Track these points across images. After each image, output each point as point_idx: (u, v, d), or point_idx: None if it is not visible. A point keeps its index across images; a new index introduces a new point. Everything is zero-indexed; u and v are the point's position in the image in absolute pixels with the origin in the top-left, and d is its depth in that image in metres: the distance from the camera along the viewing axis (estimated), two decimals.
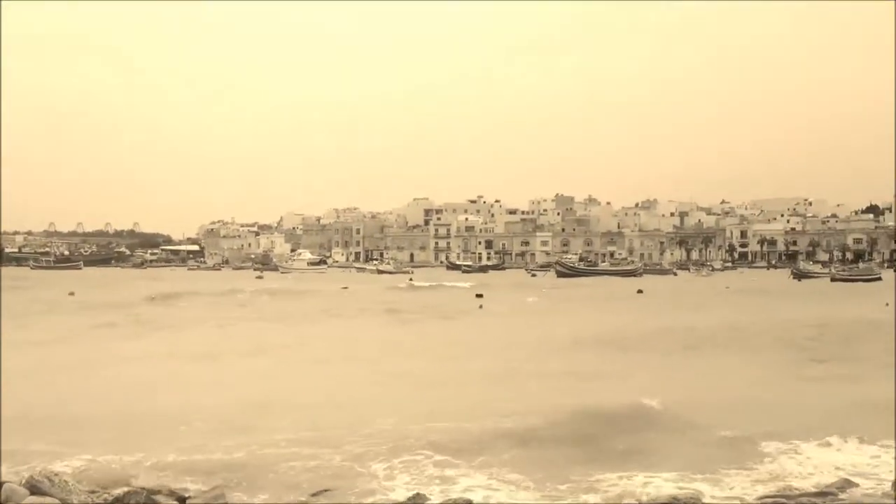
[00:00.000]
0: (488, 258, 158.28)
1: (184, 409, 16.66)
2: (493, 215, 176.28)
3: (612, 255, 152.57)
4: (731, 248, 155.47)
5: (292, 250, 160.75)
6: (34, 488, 9.28)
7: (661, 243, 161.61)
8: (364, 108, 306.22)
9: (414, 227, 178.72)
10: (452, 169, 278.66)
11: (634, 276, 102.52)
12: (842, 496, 10.27)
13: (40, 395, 18.10)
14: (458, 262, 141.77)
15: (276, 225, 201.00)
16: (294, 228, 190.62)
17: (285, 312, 46.32)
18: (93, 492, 9.68)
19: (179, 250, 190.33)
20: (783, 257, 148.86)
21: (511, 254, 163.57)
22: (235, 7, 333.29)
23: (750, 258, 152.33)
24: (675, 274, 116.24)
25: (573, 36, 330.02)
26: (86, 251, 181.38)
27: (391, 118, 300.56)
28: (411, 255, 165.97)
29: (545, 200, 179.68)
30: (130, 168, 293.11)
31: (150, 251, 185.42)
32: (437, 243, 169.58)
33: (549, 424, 14.69)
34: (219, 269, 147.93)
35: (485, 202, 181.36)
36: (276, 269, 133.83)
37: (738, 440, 14.10)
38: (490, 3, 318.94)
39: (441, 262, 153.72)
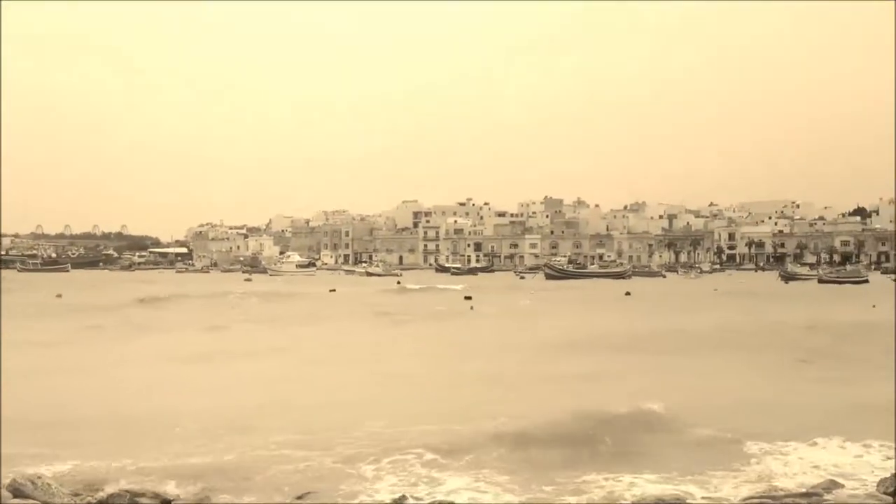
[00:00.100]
0: (477, 261, 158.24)
1: (173, 412, 16.62)
2: (482, 218, 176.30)
3: (601, 257, 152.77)
4: (720, 251, 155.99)
5: (281, 253, 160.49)
6: (17, 491, 9.23)
7: (650, 246, 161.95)
8: (364, 109, 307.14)
9: (403, 229, 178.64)
10: (449, 170, 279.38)
11: (623, 278, 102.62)
12: (827, 497, 10.28)
13: (27, 399, 17.97)
14: (446, 265, 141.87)
15: (264, 227, 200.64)
16: (283, 231, 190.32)
17: (275, 315, 46.22)
18: (76, 495, 9.64)
19: (168, 253, 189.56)
20: (771, 259, 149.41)
21: (500, 256, 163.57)
22: (235, 7, 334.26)
23: (738, 260, 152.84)
24: (664, 276, 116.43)
25: (573, 36, 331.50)
26: (73, 253, 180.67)
27: (390, 118, 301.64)
28: (400, 258, 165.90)
29: (534, 203, 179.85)
30: (120, 170, 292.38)
31: (138, 254, 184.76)
32: (425, 246, 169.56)
33: (540, 426, 14.68)
34: (207, 272, 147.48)
35: (474, 205, 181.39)
36: (264, 271, 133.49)
37: (725, 441, 14.13)
38: (490, 3, 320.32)
39: (430, 265, 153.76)
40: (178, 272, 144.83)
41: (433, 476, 12.10)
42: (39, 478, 9.18)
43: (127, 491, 9.79)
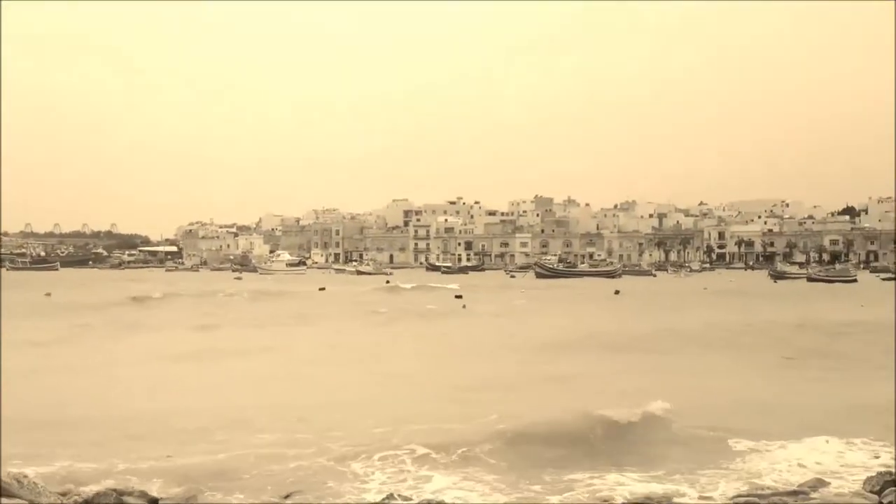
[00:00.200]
0: (468, 259, 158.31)
1: (164, 412, 16.60)
2: (472, 216, 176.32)
3: (591, 256, 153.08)
4: (709, 250, 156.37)
5: (271, 251, 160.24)
6: (3, 490, 9.18)
7: (640, 244, 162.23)
8: (364, 109, 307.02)
9: (393, 228, 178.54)
10: (449, 170, 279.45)
11: (613, 277, 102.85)
12: (813, 495, 10.33)
13: (15, 398, 17.88)
14: (437, 264, 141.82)
15: (254, 226, 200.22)
16: (273, 229, 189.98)
17: (266, 314, 46.14)
18: (63, 494, 9.61)
19: (157, 251, 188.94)
20: (760, 258, 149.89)
21: (491, 255, 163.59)
22: (235, 7, 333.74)
23: (728, 259, 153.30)
24: (654, 275, 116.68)
25: (573, 36, 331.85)
26: (62, 252, 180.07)
27: (390, 118, 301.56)
28: (391, 257, 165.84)
29: (524, 202, 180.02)
30: (113, 169, 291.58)
31: (127, 252, 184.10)
32: (416, 244, 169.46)
33: (531, 425, 14.66)
34: (197, 271, 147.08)
35: (465, 203, 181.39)
36: (254, 270, 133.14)
37: (713, 439, 14.18)
38: (490, 3, 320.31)
39: (421, 264, 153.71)
40: (167, 271, 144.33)
41: (422, 474, 12.10)
42: (26, 476, 9.15)
43: (113, 490, 9.76)
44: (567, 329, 35.97)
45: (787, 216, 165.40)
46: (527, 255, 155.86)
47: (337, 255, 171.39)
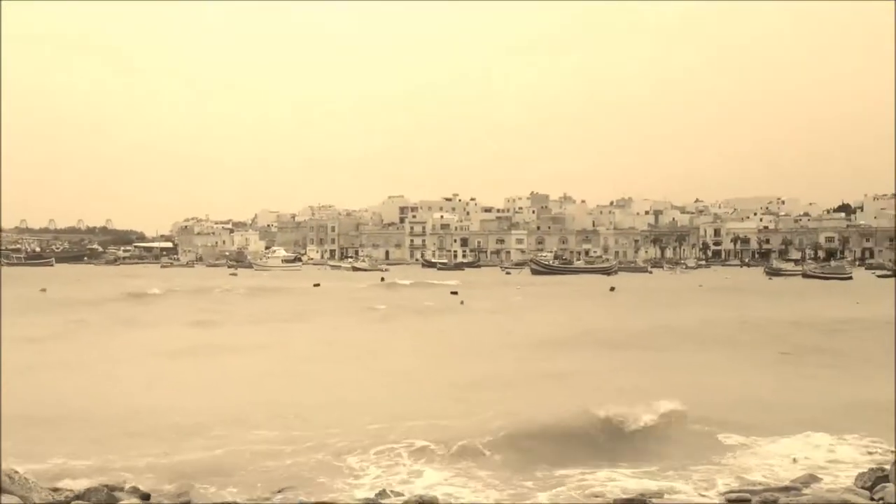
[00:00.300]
0: (464, 256, 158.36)
1: (161, 408, 16.60)
2: (468, 213, 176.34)
3: (586, 252, 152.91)
4: (705, 247, 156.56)
5: (267, 248, 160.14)
6: None
7: (636, 241, 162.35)
8: (364, 109, 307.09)
9: (389, 224, 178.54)
10: (448, 171, 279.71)
11: (609, 273, 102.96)
12: (805, 491, 10.34)
13: (10, 395, 17.85)
14: (433, 260, 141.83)
15: (250, 222, 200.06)
16: (269, 226, 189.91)
17: (262, 310, 46.09)
18: (55, 489, 9.61)
19: (153, 247, 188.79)
20: (756, 255, 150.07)
21: (486, 251, 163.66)
22: (235, 7, 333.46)
23: (723, 256, 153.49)
24: (650, 272, 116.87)
25: (573, 36, 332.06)
26: (58, 248, 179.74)
27: (390, 118, 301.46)
28: (386, 253, 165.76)
29: (520, 198, 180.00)
30: (111, 167, 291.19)
31: (122, 248, 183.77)
32: (412, 241, 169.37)
33: (527, 421, 14.64)
34: (192, 267, 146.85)
35: (460, 200, 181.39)
36: (250, 266, 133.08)
37: (706, 435, 14.21)
38: (490, 3, 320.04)
39: (416, 260, 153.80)
40: (162, 267, 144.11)
41: (416, 469, 12.12)
42: (17, 472, 9.14)
43: (105, 485, 9.76)
44: (563, 326, 36.01)
45: (783, 213, 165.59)
46: (522, 251, 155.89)
47: (332, 252, 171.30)
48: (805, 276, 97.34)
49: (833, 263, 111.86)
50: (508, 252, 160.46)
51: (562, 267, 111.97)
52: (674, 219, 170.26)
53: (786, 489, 10.42)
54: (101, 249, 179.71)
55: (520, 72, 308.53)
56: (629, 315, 42.44)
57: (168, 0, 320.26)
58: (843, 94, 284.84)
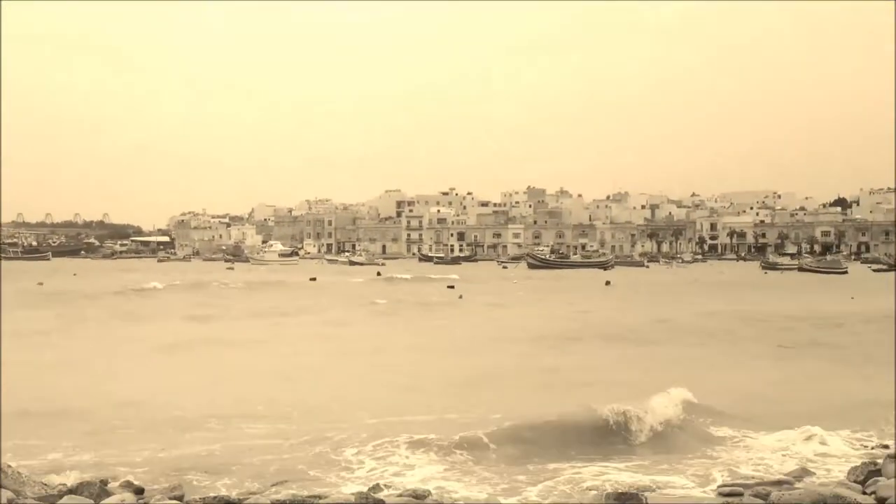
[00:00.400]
0: (460, 250, 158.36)
1: (158, 402, 16.62)
2: (465, 207, 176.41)
3: (583, 247, 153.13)
4: (702, 241, 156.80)
5: (263, 242, 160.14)
6: None
7: (633, 235, 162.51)
8: (364, 109, 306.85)
9: (386, 218, 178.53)
10: (448, 170, 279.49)
11: (605, 268, 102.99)
12: (798, 485, 10.38)
13: (9, 389, 17.84)
14: (430, 254, 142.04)
15: (247, 216, 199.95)
16: (265, 220, 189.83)
17: (259, 304, 46.09)
18: (47, 483, 9.62)
19: (149, 241, 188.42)
20: (752, 249, 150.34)
21: (483, 246, 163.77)
22: (235, 7, 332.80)
23: (720, 250, 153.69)
24: (647, 266, 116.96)
25: (573, 36, 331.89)
26: (54, 242, 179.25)
27: (390, 118, 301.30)
28: (383, 247, 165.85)
29: (517, 193, 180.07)
30: (109, 164, 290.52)
31: (119, 242, 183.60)
32: (409, 235, 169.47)
33: (524, 416, 14.62)
34: (189, 261, 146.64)
35: (457, 194, 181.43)
36: (247, 260, 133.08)
37: (700, 429, 14.24)
38: (490, 3, 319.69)
39: (413, 254, 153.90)
40: (159, 261, 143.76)
41: (411, 463, 12.13)
42: (10, 466, 9.15)
43: (98, 479, 9.77)
44: (560, 320, 36.10)
45: (778, 207, 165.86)
46: (519, 245, 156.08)
47: (329, 246, 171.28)
48: (801, 269, 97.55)
49: (829, 257, 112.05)
50: (505, 246, 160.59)
51: (558, 261, 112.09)
52: (670, 213, 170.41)
53: (778, 483, 10.44)
54: (97, 243, 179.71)
55: (520, 72, 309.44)
56: (626, 309, 42.47)
57: (168, 0, 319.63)
58: (842, 94, 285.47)
